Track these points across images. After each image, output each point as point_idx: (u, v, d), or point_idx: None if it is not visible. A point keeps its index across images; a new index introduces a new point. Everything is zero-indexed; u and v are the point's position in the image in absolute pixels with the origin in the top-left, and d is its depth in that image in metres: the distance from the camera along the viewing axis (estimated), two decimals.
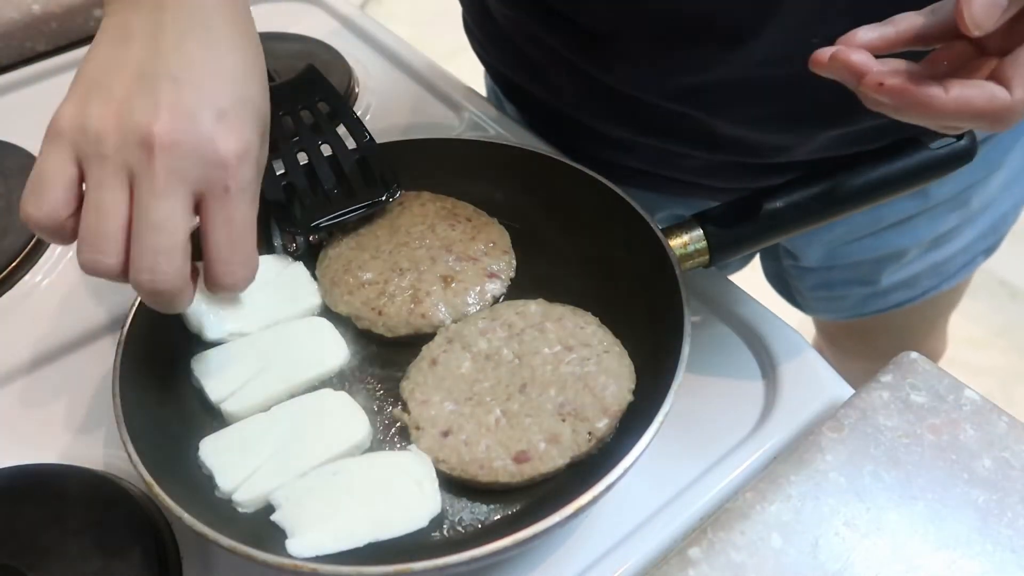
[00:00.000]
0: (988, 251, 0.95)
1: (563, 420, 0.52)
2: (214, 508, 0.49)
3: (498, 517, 0.50)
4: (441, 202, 0.66)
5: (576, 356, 0.55)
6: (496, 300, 0.61)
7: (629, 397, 0.53)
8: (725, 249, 0.59)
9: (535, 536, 0.44)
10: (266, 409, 0.54)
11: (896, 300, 0.95)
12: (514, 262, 0.63)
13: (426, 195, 0.67)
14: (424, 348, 0.57)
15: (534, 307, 0.58)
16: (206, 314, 0.57)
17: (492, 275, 0.62)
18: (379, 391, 0.57)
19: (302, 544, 0.46)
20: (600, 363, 0.54)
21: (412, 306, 0.59)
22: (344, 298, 0.60)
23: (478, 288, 0.61)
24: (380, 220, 0.65)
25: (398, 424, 0.54)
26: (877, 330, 1.04)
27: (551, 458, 0.50)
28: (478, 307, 0.60)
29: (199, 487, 0.50)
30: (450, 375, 0.55)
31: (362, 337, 0.60)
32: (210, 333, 0.57)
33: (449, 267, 0.61)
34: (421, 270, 0.61)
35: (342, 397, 0.55)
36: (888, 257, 0.88)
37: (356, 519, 0.48)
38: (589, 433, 0.51)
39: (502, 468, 0.50)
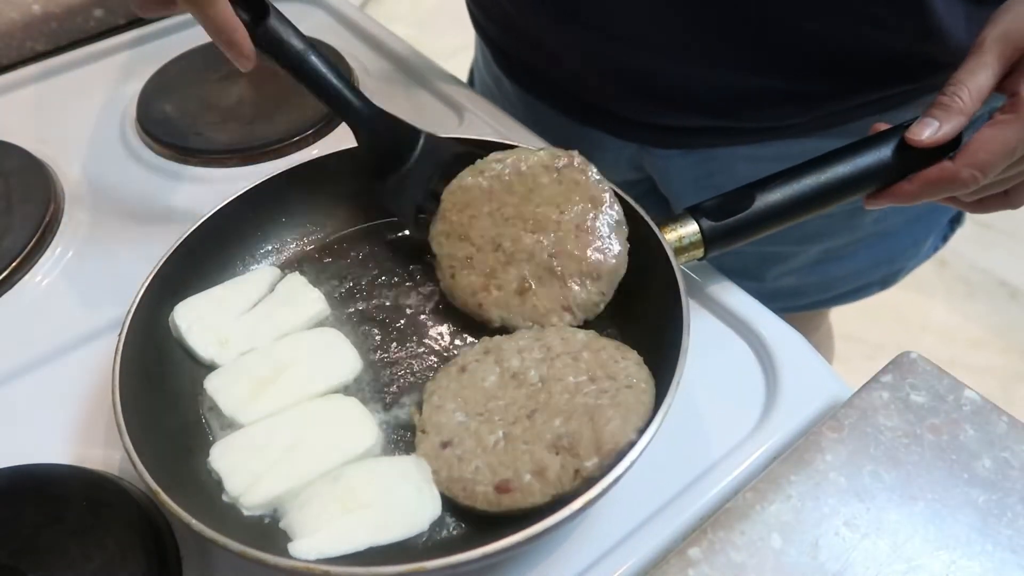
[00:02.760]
0: (884, 283, 0.95)
1: (556, 453, 0.49)
2: (217, 510, 0.49)
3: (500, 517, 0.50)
4: (596, 197, 0.60)
5: (595, 388, 0.52)
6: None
7: (631, 436, 0.49)
8: (719, 241, 0.60)
9: (546, 531, 0.43)
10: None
11: (782, 305, 0.96)
12: (602, 307, 0.58)
13: (594, 175, 0.61)
14: (460, 354, 0.57)
15: (581, 335, 0.56)
16: (213, 343, 0.57)
17: (566, 308, 0.58)
18: (392, 390, 0.57)
19: (305, 547, 0.46)
20: (615, 397, 0.51)
21: (476, 291, 0.59)
22: (438, 243, 0.61)
23: (543, 312, 0.58)
24: (535, 178, 0.60)
25: (407, 429, 0.54)
26: None
27: (531, 493, 0.48)
28: (529, 329, 0.58)
29: (201, 489, 0.50)
30: (472, 386, 0.54)
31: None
32: (221, 361, 0.57)
33: (535, 274, 0.58)
34: (510, 260, 0.58)
35: (352, 403, 0.55)
36: (773, 256, 0.89)
37: (358, 523, 0.48)
38: (576, 471, 0.48)
39: (482, 495, 0.49)
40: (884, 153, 0.60)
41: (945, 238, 0.95)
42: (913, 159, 0.60)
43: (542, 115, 0.86)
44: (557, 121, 0.85)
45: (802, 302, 0.97)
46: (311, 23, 0.98)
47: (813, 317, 1.12)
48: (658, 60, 0.73)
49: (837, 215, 0.82)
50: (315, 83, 0.60)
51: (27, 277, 0.69)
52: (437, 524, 0.49)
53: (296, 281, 0.62)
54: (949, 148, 0.59)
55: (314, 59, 0.59)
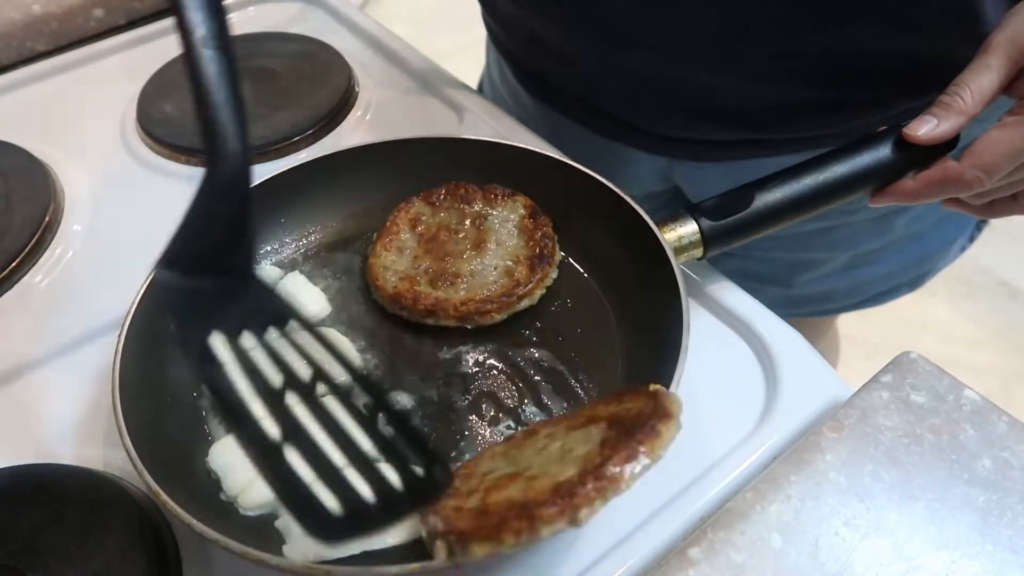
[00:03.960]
0: (912, 285, 0.94)
1: None
2: (216, 509, 0.49)
3: None
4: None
5: None
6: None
7: None
8: (718, 241, 0.60)
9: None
10: None
11: (810, 311, 0.96)
12: None
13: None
14: None
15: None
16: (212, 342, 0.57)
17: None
18: (390, 391, 0.57)
19: (298, 549, 0.46)
20: None
21: None
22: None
23: None
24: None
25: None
26: None
27: None
28: None
29: (202, 490, 0.50)
30: None
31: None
32: (222, 359, 0.57)
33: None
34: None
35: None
36: (803, 263, 0.88)
37: None
38: None
39: None
40: (883, 152, 0.60)
41: (972, 238, 0.94)
42: (911, 158, 0.60)
43: (565, 129, 0.85)
44: (581, 135, 0.84)
45: (829, 307, 0.96)
46: (311, 23, 0.98)
47: (821, 322, 1.12)
48: (693, 73, 0.71)
49: (868, 220, 0.81)
50: (194, 79, 0.39)
51: (27, 277, 0.69)
52: None
53: (297, 280, 0.62)
54: (947, 148, 0.59)
55: (207, 52, 0.39)
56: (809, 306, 0.95)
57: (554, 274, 0.62)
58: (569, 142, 0.79)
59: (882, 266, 0.89)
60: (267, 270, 0.63)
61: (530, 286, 0.60)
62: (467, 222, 0.64)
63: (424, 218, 0.65)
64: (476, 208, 0.65)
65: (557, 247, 0.63)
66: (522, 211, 0.64)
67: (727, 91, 0.72)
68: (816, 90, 0.70)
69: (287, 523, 0.48)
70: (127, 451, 0.47)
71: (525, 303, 0.61)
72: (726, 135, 0.77)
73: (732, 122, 0.75)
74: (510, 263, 0.62)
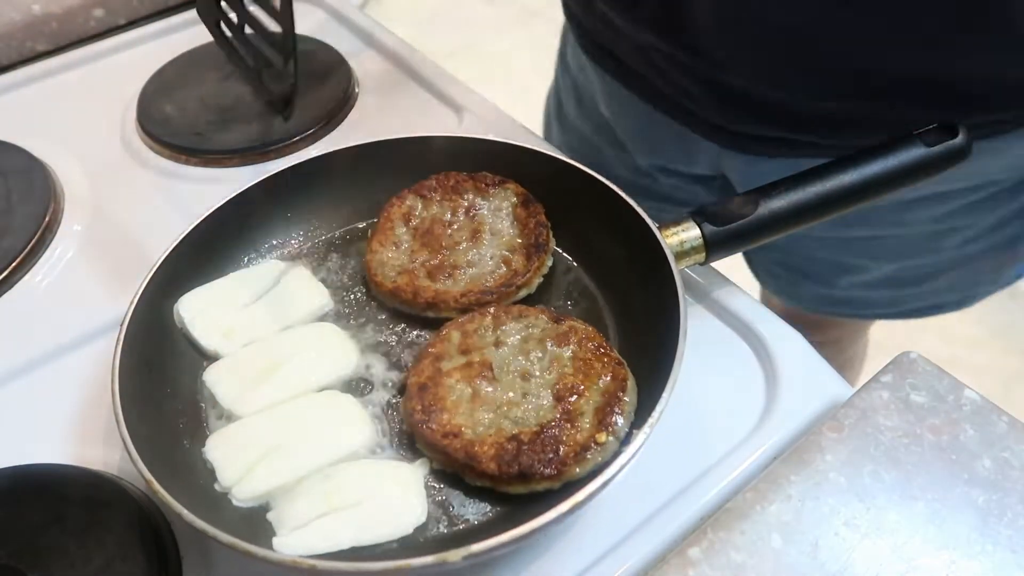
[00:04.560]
0: (959, 304, 0.93)
1: None
2: (211, 501, 0.49)
3: (490, 516, 0.50)
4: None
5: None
6: None
7: None
8: (721, 247, 0.59)
9: (533, 532, 0.44)
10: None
11: (848, 312, 0.96)
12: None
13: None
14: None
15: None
16: (216, 334, 0.58)
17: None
18: (392, 385, 0.57)
19: (288, 542, 0.46)
20: None
21: None
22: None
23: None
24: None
25: (403, 428, 0.54)
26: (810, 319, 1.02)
27: None
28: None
29: (197, 483, 0.51)
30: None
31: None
32: (224, 352, 0.57)
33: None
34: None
35: (348, 400, 0.55)
36: (848, 267, 0.88)
37: (342, 522, 0.48)
38: None
39: None
40: (889, 162, 0.59)
41: None
42: (918, 168, 0.59)
43: (628, 103, 0.84)
44: (644, 111, 0.83)
45: (868, 312, 0.96)
46: (311, 23, 0.98)
47: (860, 327, 1.11)
48: (757, 86, 0.70)
49: (919, 234, 0.81)
50: None
51: (27, 277, 0.69)
52: (429, 528, 0.50)
53: (301, 274, 0.63)
54: (958, 158, 0.58)
55: None
56: (849, 308, 0.94)
57: (549, 262, 0.62)
58: (632, 115, 0.77)
59: (929, 284, 0.88)
60: (272, 264, 0.64)
61: (528, 275, 0.61)
62: (460, 213, 0.64)
63: (417, 212, 0.65)
64: (468, 199, 0.65)
65: (551, 234, 0.63)
66: (514, 199, 0.64)
67: (790, 102, 0.71)
68: (878, 106, 0.69)
69: (279, 515, 0.48)
70: (127, 449, 0.47)
71: (523, 292, 0.61)
72: (780, 133, 0.76)
73: (791, 125, 0.74)
74: (506, 253, 0.62)
